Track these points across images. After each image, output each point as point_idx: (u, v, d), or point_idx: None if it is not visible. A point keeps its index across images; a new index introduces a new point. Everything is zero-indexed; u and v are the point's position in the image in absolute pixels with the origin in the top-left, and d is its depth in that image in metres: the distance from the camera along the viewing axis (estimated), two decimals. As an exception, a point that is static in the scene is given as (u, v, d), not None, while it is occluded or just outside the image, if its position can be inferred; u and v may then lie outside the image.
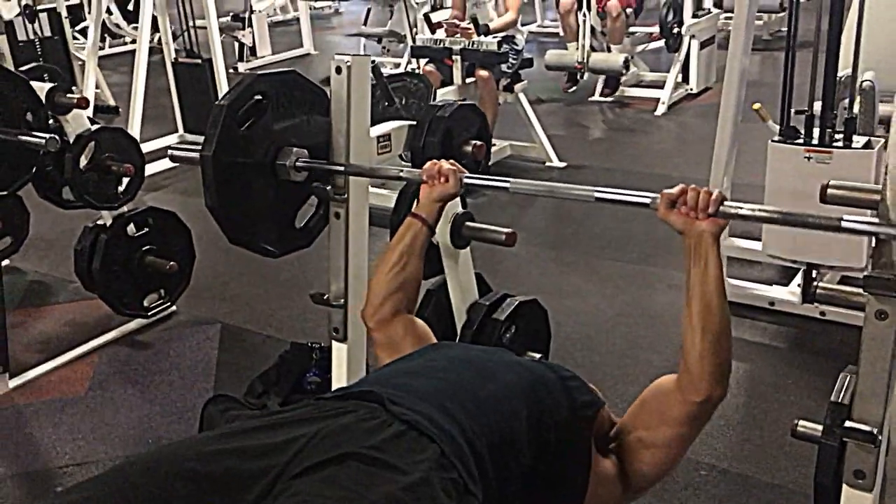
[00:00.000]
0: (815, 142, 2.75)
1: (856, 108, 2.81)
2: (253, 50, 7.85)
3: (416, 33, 5.54)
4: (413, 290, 1.75)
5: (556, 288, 3.32)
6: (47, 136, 2.46)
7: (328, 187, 1.84)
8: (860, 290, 1.33)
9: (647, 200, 1.52)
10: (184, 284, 3.20)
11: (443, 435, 1.26)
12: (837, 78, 2.83)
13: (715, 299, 1.42)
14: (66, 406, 2.70)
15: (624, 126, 5.73)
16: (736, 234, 3.17)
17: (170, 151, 2.01)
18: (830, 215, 1.34)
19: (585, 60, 5.51)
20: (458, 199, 2.12)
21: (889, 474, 1.80)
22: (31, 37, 5.28)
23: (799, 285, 3.05)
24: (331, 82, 1.83)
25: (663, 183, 1.55)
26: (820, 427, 1.47)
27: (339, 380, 1.96)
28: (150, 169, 3.16)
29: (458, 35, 4.35)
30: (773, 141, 2.82)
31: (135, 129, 4.64)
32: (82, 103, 2.73)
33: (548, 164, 4.75)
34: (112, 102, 6.34)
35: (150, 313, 3.12)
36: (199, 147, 1.79)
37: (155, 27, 5.47)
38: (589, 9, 5.60)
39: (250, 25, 7.71)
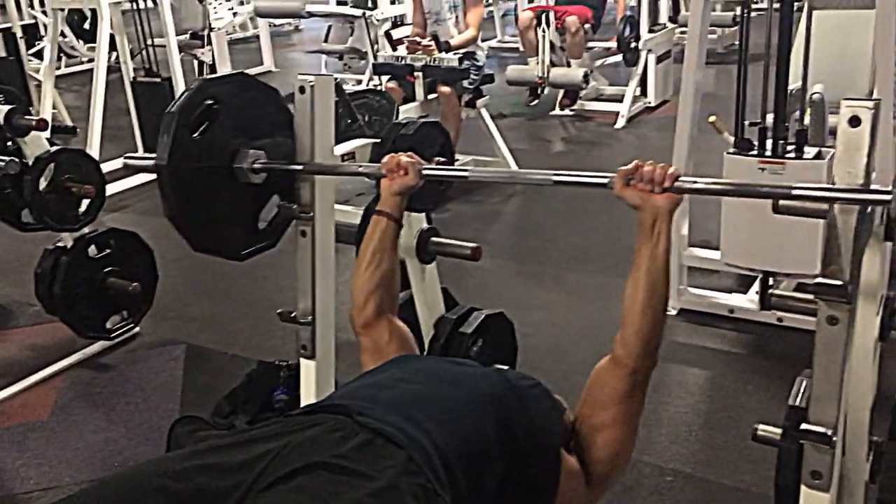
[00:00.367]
0: (768, 153, 2.83)
1: (807, 120, 2.89)
2: (213, 68, 7.80)
3: (378, 50, 5.56)
4: (392, 285, 1.78)
5: (523, 300, 3.35)
6: (6, 158, 2.45)
7: (294, 206, 1.85)
8: (812, 297, 1.38)
9: (605, 181, 1.54)
10: (147, 305, 3.17)
11: (410, 442, 1.27)
12: (788, 91, 2.92)
13: (661, 276, 1.48)
14: (30, 431, 2.66)
15: (585, 139, 5.81)
16: (695, 244, 3.24)
17: (125, 160, 1.99)
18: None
19: (546, 75, 5.59)
20: (423, 214, 2.16)
21: (847, 474, 1.87)
22: (-14, 58, 5.22)
23: (757, 293, 3.12)
24: (294, 102, 1.84)
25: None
26: (779, 430, 1.52)
27: (307, 397, 1.96)
28: (111, 189, 3.14)
29: (420, 52, 4.39)
30: (727, 153, 2.90)
31: (94, 150, 4.60)
32: (41, 125, 2.71)
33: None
34: (70, 123, 6.26)
35: (113, 335, 3.09)
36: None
37: (112, 46, 5.43)
38: (548, 25, 5.68)
39: (209, 43, 7.67)
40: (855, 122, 1.28)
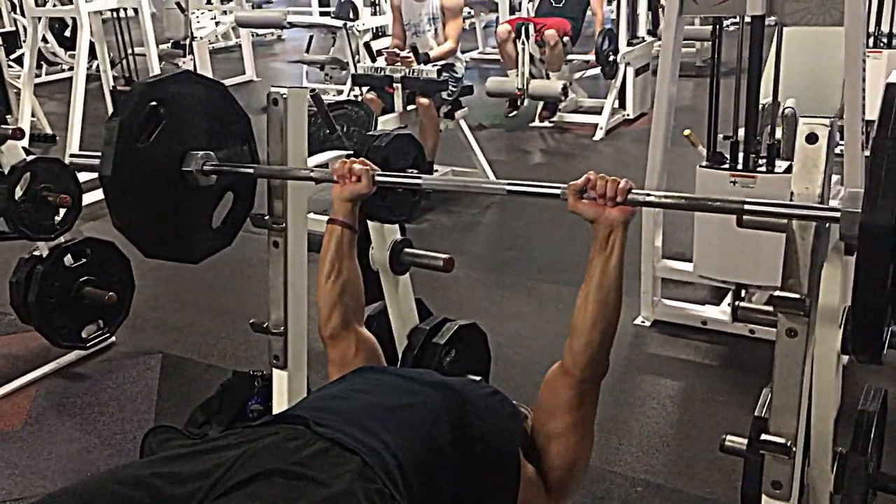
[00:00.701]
0: (739, 167, 2.87)
1: (778, 134, 2.94)
2: (194, 77, 7.80)
3: (359, 61, 5.59)
4: (356, 294, 1.78)
5: (498, 311, 3.38)
6: (-19, 168, 2.44)
7: (266, 216, 1.87)
8: (776, 309, 1.41)
9: (558, 192, 1.54)
10: (123, 315, 3.16)
11: (366, 450, 1.29)
12: (760, 105, 2.97)
13: (612, 290, 1.49)
14: (2, 440, 2.65)
15: (563, 151, 5.86)
16: (669, 256, 3.27)
17: (70, 159, 1.98)
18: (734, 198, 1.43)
19: (525, 87, 5.63)
20: (396, 226, 2.18)
21: (812, 484, 1.89)
22: (-35, 66, 5.19)
23: (730, 305, 3.16)
24: (267, 114, 1.86)
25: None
26: (745, 441, 1.54)
27: (280, 407, 1.97)
28: (88, 198, 3.12)
29: (399, 63, 4.42)
30: (700, 166, 2.94)
31: (73, 158, 4.57)
32: (17, 134, 2.70)
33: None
34: (49, 131, 6.25)
35: (88, 345, 3.08)
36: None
37: (93, 54, 5.42)
38: (527, 37, 5.73)
39: (191, 52, 7.68)
40: (812, 139, 1.32)
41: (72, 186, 2.86)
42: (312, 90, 4.33)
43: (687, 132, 3.15)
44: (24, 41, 7.37)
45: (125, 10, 5.31)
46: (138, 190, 1.76)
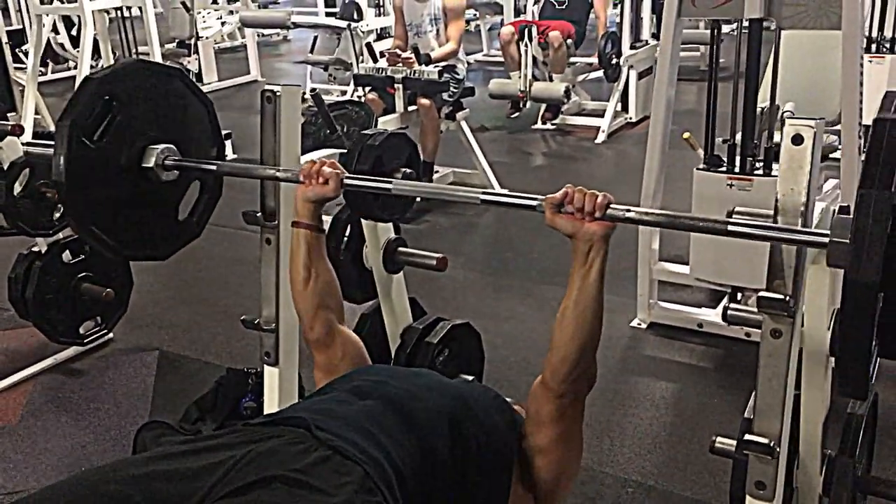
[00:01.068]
0: (737, 170, 2.87)
1: (777, 138, 2.94)
2: (199, 76, 7.84)
3: (362, 61, 5.60)
4: (334, 293, 1.73)
5: (494, 312, 3.38)
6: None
7: (258, 214, 1.87)
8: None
9: (534, 203, 1.48)
10: (121, 312, 3.18)
11: (367, 459, 1.29)
12: (760, 109, 2.97)
13: (591, 306, 1.43)
14: (-2, 435, 2.67)
15: (565, 153, 5.86)
16: (666, 259, 3.27)
17: (24, 148, 1.90)
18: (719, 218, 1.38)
19: (528, 89, 5.64)
20: (390, 225, 2.18)
21: (801, 487, 1.90)
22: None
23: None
24: (261, 111, 1.86)
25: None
26: (735, 443, 1.54)
27: (271, 404, 1.97)
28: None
29: (400, 64, 4.43)
30: (697, 169, 2.94)
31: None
32: (16, 130, 2.71)
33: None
34: (52, 128, 6.26)
35: (86, 341, 3.10)
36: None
37: (98, 53, 5.45)
38: (530, 40, 5.73)
39: (196, 52, 7.71)
40: (798, 140, 1.32)
41: (70, 183, 2.87)
42: (313, 90, 4.36)
43: (686, 135, 3.15)
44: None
45: (129, 9, 5.34)
46: (97, 192, 1.68)
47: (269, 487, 1.20)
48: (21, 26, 8.23)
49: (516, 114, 6.21)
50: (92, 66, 5.13)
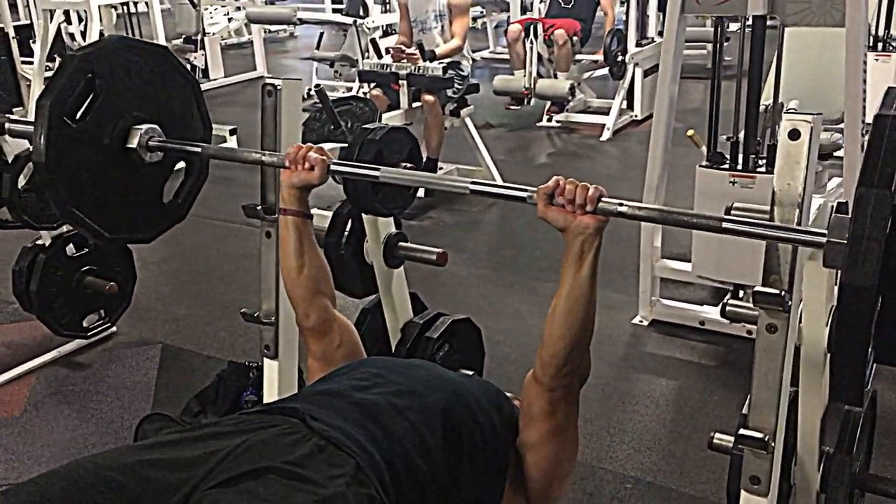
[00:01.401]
0: (739, 167, 2.87)
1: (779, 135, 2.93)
2: (205, 72, 7.86)
3: (368, 58, 5.61)
4: (327, 279, 1.71)
5: (496, 309, 3.38)
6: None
7: (258, 206, 1.88)
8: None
9: (525, 195, 1.45)
10: (124, 305, 3.19)
11: (360, 451, 1.29)
12: (764, 106, 2.96)
13: (583, 302, 1.39)
14: (1, 427, 2.68)
15: (570, 151, 5.86)
16: (669, 256, 3.27)
17: (7, 124, 1.81)
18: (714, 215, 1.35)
19: (532, 86, 5.63)
20: (391, 219, 2.19)
21: (799, 483, 1.90)
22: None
23: (727, 305, 3.15)
24: (261, 104, 1.87)
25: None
26: (733, 439, 1.54)
27: (270, 396, 1.98)
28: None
29: (404, 60, 4.43)
30: (700, 166, 2.94)
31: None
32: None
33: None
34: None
35: (89, 334, 3.11)
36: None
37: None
38: (536, 37, 5.73)
39: (202, 48, 7.73)
40: (795, 134, 1.32)
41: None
42: (317, 86, 4.36)
43: (690, 132, 3.15)
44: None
45: (136, 4, 5.36)
46: (79, 173, 1.63)
47: (261, 478, 1.20)
48: (29, 21, 8.26)
49: (517, 107, 6.17)
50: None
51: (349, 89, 6.49)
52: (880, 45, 4.53)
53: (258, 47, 8.57)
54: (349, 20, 6.27)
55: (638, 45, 6.01)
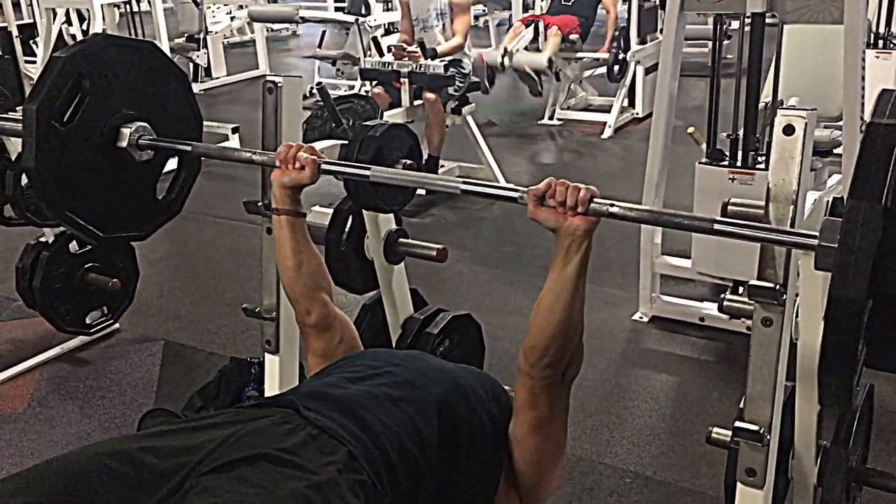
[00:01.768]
0: (738, 164, 2.88)
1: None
2: (208, 71, 7.88)
3: (369, 56, 5.62)
4: (324, 275, 1.71)
5: (497, 306, 3.40)
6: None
7: (259, 203, 1.89)
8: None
9: (516, 195, 1.45)
10: (127, 302, 3.21)
11: (353, 439, 1.31)
12: (763, 104, 2.97)
13: (566, 299, 1.40)
14: (5, 422, 2.70)
15: (571, 149, 5.87)
16: (669, 253, 3.28)
17: (3, 123, 1.80)
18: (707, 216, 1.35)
19: (508, 55, 5.61)
20: (391, 215, 2.20)
21: (796, 477, 1.91)
22: (-20, 57, 5.25)
23: (727, 301, 3.16)
24: (262, 101, 1.88)
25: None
26: (730, 433, 1.55)
27: (271, 391, 1.99)
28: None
29: (406, 58, 4.44)
30: (699, 163, 2.95)
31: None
32: (25, 121, 2.75)
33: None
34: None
35: (92, 331, 3.13)
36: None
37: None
38: (537, 35, 5.74)
39: (205, 46, 7.75)
40: (789, 130, 1.33)
41: (77, 174, 2.90)
42: (319, 84, 4.37)
43: (691, 130, 3.17)
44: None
45: (139, 3, 5.38)
46: (70, 176, 1.62)
47: (254, 464, 1.22)
48: (32, 20, 8.28)
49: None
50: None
51: (351, 87, 6.51)
52: (881, 42, 4.53)
53: (260, 46, 8.59)
54: (351, 18, 6.28)
55: (640, 42, 6.01)
